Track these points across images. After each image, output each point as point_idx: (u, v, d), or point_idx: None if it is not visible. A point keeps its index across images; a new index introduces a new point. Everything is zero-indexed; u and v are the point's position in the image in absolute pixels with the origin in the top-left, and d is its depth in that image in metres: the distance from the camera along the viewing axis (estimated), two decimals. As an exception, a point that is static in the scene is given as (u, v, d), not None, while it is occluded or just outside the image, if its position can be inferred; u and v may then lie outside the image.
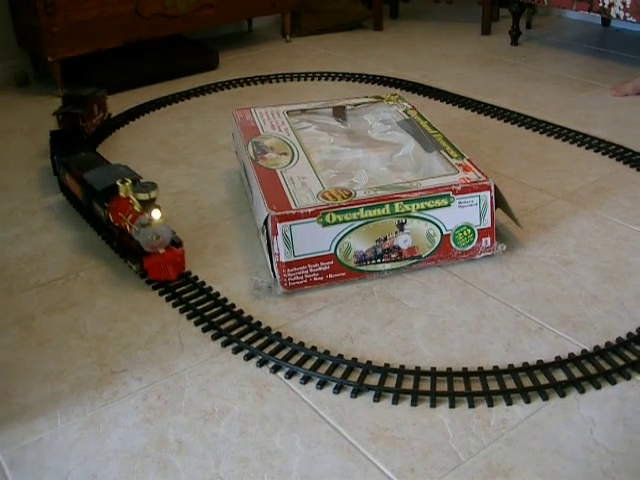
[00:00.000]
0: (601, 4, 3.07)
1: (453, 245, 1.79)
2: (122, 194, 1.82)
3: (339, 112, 2.27)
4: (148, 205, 1.78)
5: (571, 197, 2.13)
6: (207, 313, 1.66)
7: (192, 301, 1.71)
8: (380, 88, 3.03)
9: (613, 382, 1.43)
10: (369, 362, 1.49)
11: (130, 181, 1.83)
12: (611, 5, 3.03)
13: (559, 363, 1.47)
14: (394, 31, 3.94)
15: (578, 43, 3.63)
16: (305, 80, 3.18)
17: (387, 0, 4.13)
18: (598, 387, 1.42)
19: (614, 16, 3.07)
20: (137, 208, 1.78)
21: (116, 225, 1.85)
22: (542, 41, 3.68)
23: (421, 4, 4.35)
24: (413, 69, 3.29)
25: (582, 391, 1.41)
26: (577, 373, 1.44)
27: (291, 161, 1.90)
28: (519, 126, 2.64)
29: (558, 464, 1.26)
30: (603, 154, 2.40)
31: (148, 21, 3.17)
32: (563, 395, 1.40)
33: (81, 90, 2.57)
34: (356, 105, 2.30)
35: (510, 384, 1.43)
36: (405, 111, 2.21)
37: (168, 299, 1.72)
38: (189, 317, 1.66)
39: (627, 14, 3.00)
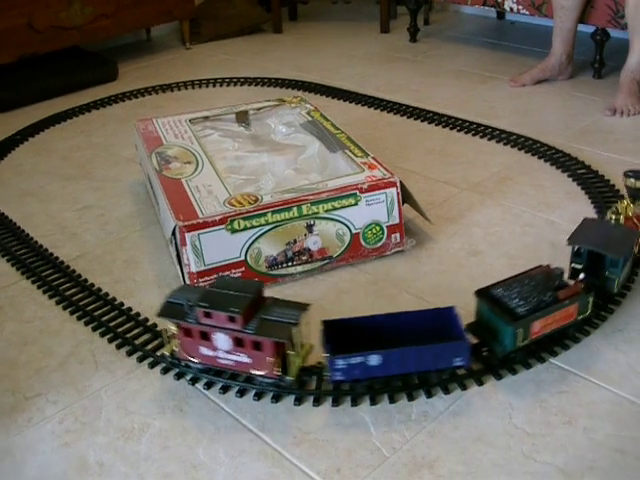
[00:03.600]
0: (494, -3, 3.15)
1: (363, 243, 1.80)
2: None
3: (242, 117, 2.26)
4: None
5: (476, 188, 2.17)
6: (120, 329, 1.63)
7: (104, 318, 1.67)
8: (282, 91, 3.03)
9: (528, 366, 1.46)
10: (288, 366, 1.48)
11: None
12: (504, -2, 3.10)
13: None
14: (294, 33, 3.95)
15: (475, 37, 3.70)
16: (207, 87, 3.16)
17: (285, 2, 4.13)
18: (514, 372, 1.45)
19: (508, 9, 3.13)
20: None
21: None
22: (440, 37, 3.74)
23: (319, 5, 4.37)
24: (314, 70, 3.30)
25: (499, 378, 1.44)
26: (493, 360, 1.47)
27: (196, 169, 1.89)
28: (422, 121, 2.67)
29: (480, 451, 1.28)
30: (505, 144, 2.45)
31: (43, 34, 3.09)
32: (481, 383, 1.42)
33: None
34: (259, 109, 2.29)
35: (429, 376, 1.44)
36: (308, 113, 2.22)
37: (79, 318, 1.68)
38: (102, 334, 1.62)
39: (520, 7, 3.07)
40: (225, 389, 1.45)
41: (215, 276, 1.69)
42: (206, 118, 2.26)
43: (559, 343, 1.51)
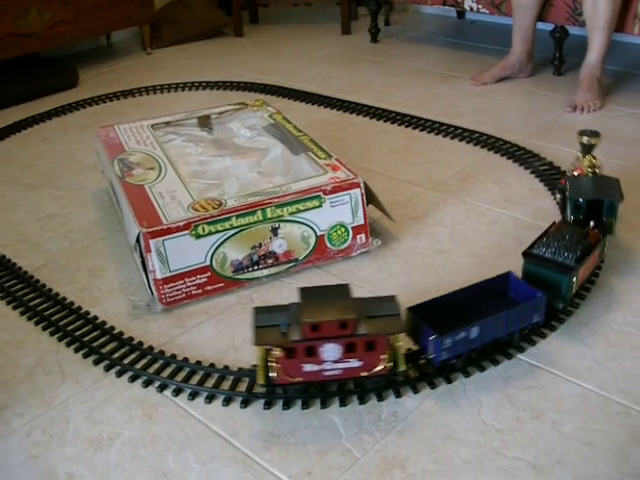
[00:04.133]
0: (453, -3, 3.16)
1: (328, 245, 1.80)
2: None
3: (204, 122, 2.25)
4: None
5: (440, 187, 2.17)
6: (86, 338, 1.61)
7: (70, 327, 1.65)
8: (244, 94, 3.02)
9: (496, 363, 1.47)
10: (256, 370, 1.48)
11: None
12: (463, -3, 3.12)
13: (442, 350, 1.50)
14: (255, 36, 3.94)
15: (436, 36, 3.72)
16: (169, 92, 3.14)
17: (246, 6, 4.12)
18: (482, 369, 1.46)
19: (468, 8, 3.15)
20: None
21: None
22: (401, 37, 3.76)
23: (280, 8, 4.37)
24: (276, 73, 3.29)
25: (467, 375, 1.44)
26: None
27: (159, 175, 1.87)
28: (384, 121, 2.68)
29: (451, 449, 1.28)
30: (468, 142, 2.46)
31: (0, 42, 3.06)
32: (449, 381, 1.43)
33: None
34: (221, 113, 2.28)
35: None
36: (270, 116, 2.21)
37: (44, 328, 1.66)
38: (68, 344, 1.61)
39: (480, 6, 3.09)
40: (194, 395, 1.44)
41: (181, 282, 1.68)
42: (168, 123, 2.24)
43: (526, 339, 1.52)
